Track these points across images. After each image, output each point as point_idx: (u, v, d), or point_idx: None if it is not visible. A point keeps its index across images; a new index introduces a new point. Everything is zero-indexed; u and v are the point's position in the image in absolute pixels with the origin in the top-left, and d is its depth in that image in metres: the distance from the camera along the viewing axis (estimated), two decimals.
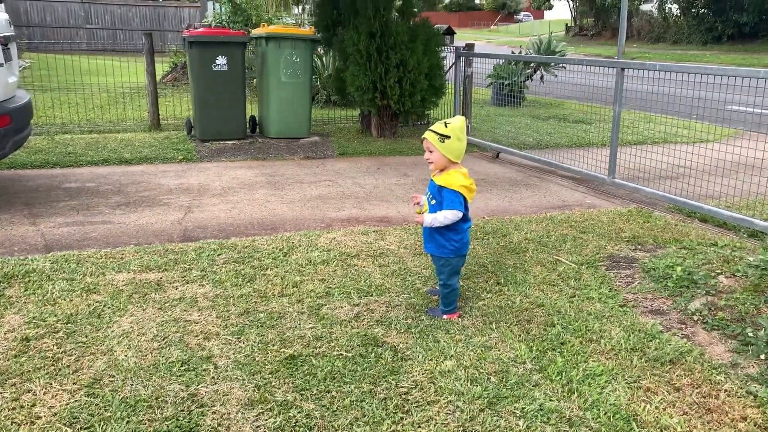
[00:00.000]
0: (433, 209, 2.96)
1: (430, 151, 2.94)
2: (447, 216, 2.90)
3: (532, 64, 12.48)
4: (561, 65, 12.35)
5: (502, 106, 11.55)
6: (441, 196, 2.93)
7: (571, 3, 45.29)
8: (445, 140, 2.89)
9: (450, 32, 13.03)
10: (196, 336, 2.88)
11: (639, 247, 4.15)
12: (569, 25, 45.80)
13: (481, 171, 6.66)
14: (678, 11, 35.36)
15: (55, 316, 3.04)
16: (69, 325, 2.96)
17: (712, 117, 5.33)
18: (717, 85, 4.83)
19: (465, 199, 2.97)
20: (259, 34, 7.44)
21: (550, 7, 66.05)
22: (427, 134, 2.95)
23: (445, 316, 3.08)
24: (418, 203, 3.11)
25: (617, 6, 34.23)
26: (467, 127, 8.23)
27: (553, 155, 6.94)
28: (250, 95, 9.62)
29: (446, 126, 2.92)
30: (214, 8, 16.16)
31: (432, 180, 3.00)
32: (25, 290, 3.32)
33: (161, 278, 3.52)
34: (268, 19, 13.27)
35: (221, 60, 7.22)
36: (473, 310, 3.20)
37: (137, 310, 3.12)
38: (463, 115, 8.16)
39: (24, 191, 5.38)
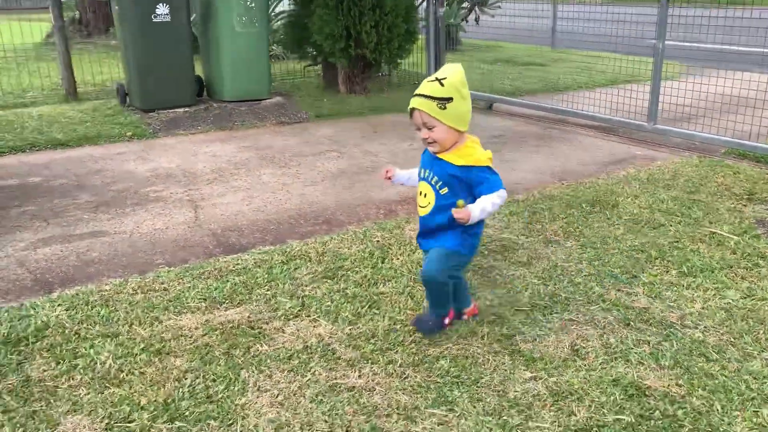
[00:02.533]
0: (447, 199, 2.15)
1: (429, 128, 2.10)
2: (496, 202, 2.11)
3: (465, 4, 11.74)
4: (497, 4, 11.74)
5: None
6: (470, 179, 2.12)
7: None
8: (448, 105, 2.06)
9: None
10: (389, 416, 1.94)
11: None
12: None
13: (489, 126, 5.90)
14: None
15: (148, 411, 1.96)
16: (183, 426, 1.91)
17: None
18: None
19: None
20: None
21: None
22: (419, 102, 2.09)
23: (446, 320, 2.35)
24: (389, 178, 2.39)
25: None
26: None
27: (556, 102, 6.30)
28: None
29: (442, 84, 2.07)
30: None
31: (440, 160, 2.16)
32: (58, 366, 2.18)
33: (248, 317, 2.49)
34: None
35: (162, 9, 5.83)
36: (702, 318, 2.48)
37: (262, 380, 2.11)
38: (438, 63, 7.35)
39: None
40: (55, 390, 2.06)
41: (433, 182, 2.17)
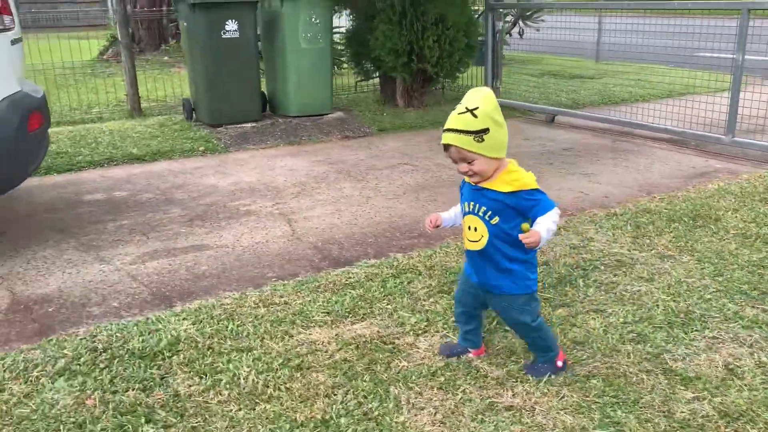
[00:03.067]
0: (501, 228, 2.01)
1: (468, 162, 1.95)
2: (555, 220, 1.96)
3: (509, 18, 11.73)
4: (541, 18, 11.71)
5: (482, 65, 10.76)
6: (521, 204, 1.97)
7: None
8: (485, 136, 1.90)
9: None
10: None
11: None
12: None
13: (556, 138, 5.85)
14: None
15: (309, 429, 1.94)
16: None
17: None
18: None
19: None
20: None
21: None
22: (453, 138, 1.94)
23: (559, 362, 2.17)
24: (437, 226, 2.20)
25: None
26: (495, 89, 7.43)
27: (619, 114, 6.23)
28: None
29: (475, 115, 1.90)
30: None
31: (484, 190, 2.00)
32: (201, 381, 2.18)
33: (377, 331, 2.47)
34: None
35: (231, 25, 5.90)
36: None
37: (414, 397, 2.08)
38: (495, 76, 7.34)
39: (38, 212, 4.01)
40: (207, 405, 2.05)
41: (481, 214, 2.02)
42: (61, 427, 1.95)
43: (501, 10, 7.20)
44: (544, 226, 1.93)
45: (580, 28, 9.89)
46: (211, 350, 2.37)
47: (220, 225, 3.73)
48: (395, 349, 2.36)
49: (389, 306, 2.68)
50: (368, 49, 6.85)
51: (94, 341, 2.43)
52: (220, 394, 2.11)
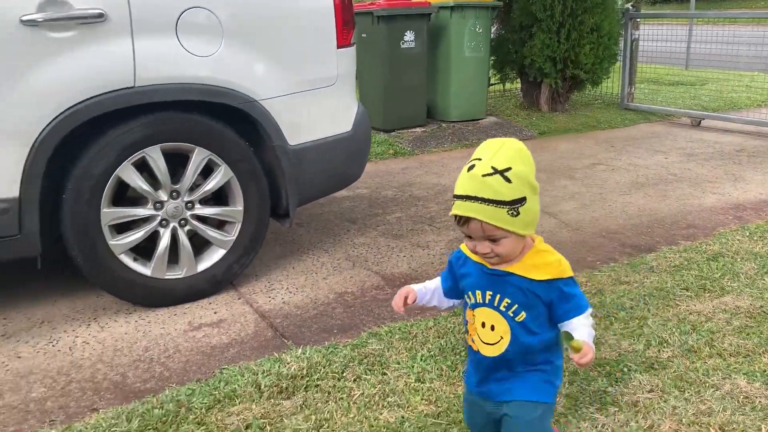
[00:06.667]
0: (528, 328, 1.52)
1: (493, 240, 1.45)
2: (593, 322, 1.55)
3: None
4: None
5: None
6: (552, 298, 1.50)
7: None
8: (521, 208, 1.41)
9: None
10: None
11: None
12: None
13: (721, 140, 6.15)
14: None
15: None
16: None
17: None
18: None
19: None
20: (445, 2, 6.51)
21: None
22: (478, 211, 1.41)
23: None
24: (411, 302, 1.66)
25: None
26: (629, 95, 7.75)
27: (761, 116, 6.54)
28: None
29: (507, 179, 1.40)
30: None
31: (507, 275, 1.51)
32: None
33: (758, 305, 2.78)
34: None
35: (409, 36, 6.28)
36: None
37: None
38: (629, 84, 7.67)
39: (308, 206, 4.35)
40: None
41: (503, 308, 1.52)
42: None
43: (639, 19, 7.52)
44: (587, 332, 1.48)
45: (668, 39, 10.28)
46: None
47: None
48: None
49: (737, 283, 2.98)
50: (513, 57, 7.21)
51: None
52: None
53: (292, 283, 3.17)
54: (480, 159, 1.43)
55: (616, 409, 2.09)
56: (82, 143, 2.62)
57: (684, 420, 2.01)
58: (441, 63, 6.72)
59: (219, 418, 2.08)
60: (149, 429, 2.03)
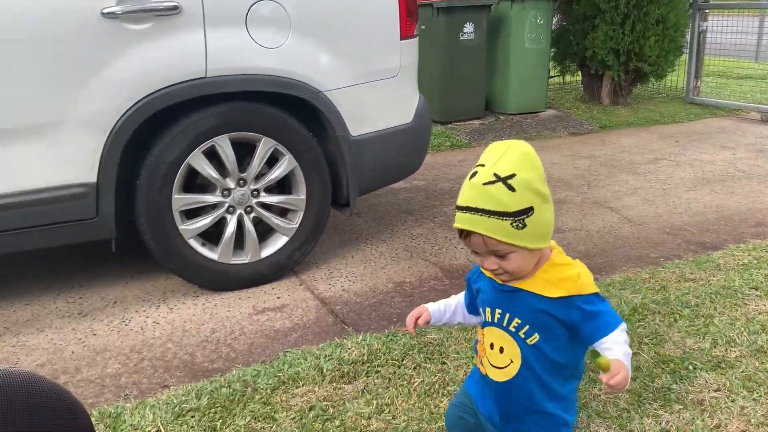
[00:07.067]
0: (538, 353, 1.36)
1: (500, 256, 1.30)
2: (627, 340, 1.33)
3: None
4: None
5: None
6: (572, 316, 1.32)
7: None
8: (527, 219, 1.26)
9: None
10: None
11: None
12: None
13: None
14: None
15: None
16: None
17: None
18: None
19: None
20: None
21: None
22: (479, 224, 1.27)
23: None
24: (426, 323, 1.55)
25: None
26: (695, 88, 7.50)
27: None
28: None
29: (511, 187, 1.25)
30: None
31: (519, 292, 1.36)
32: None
33: None
34: None
35: (468, 28, 6.24)
36: None
37: None
38: (696, 77, 7.42)
39: (368, 197, 4.40)
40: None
41: (513, 329, 1.37)
42: None
43: (707, 10, 7.27)
44: (621, 351, 1.28)
45: (737, 31, 9.89)
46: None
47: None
48: None
49: None
50: (574, 49, 7.08)
51: None
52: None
53: (351, 272, 3.23)
54: (483, 165, 1.29)
55: (681, 407, 2.05)
56: (155, 132, 2.73)
57: (753, 420, 1.97)
58: (500, 55, 6.66)
59: (284, 399, 2.15)
60: (217, 407, 2.11)
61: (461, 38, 6.23)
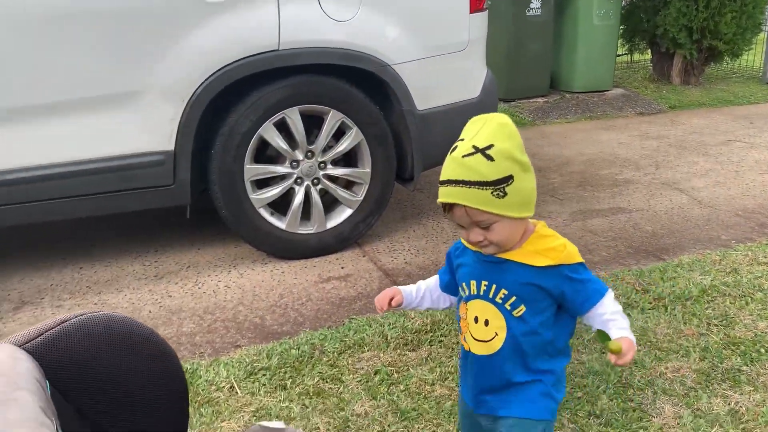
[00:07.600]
0: (524, 325, 1.34)
1: (484, 228, 1.29)
2: (620, 307, 1.34)
3: None
4: None
5: None
6: (561, 286, 1.32)
7: None
8: (508, 188, 1.25)
9: None
10: None
11: None
12: None
13: None
14: None
15: None
16: None
17: None
18: None
19: None
20: None
21: None
22: (460, 195, 1.26)
23: None
24: (397, 305, 1.51)
25: None
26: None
27: None
28: None
29: (489, 157, 1.25)
30: None
31: (505, 263, 1.34)
32: None
33: None
34: None
35: (535, 3, 6.12)
36: None
37: None
38: None
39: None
40: None
41: (499, 300, 1.35)
42: None
43: None
44: (626, 324, 1.31)
45: None
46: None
47: (614, 191, 3.96)
48: None
49: None
50: (645, 26, 6.85)
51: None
52: None
53: (414, 245, 3.27)
54: (462, 139, 1.29)
55: (751, 388, 2.02)
56: (229, 103, 2.82)
57: None
58: (567, 31, 6.51)
59: (350, 362, 2.22)
60: (287, 366, 2.20)
61: (528, 14, 6.12)
